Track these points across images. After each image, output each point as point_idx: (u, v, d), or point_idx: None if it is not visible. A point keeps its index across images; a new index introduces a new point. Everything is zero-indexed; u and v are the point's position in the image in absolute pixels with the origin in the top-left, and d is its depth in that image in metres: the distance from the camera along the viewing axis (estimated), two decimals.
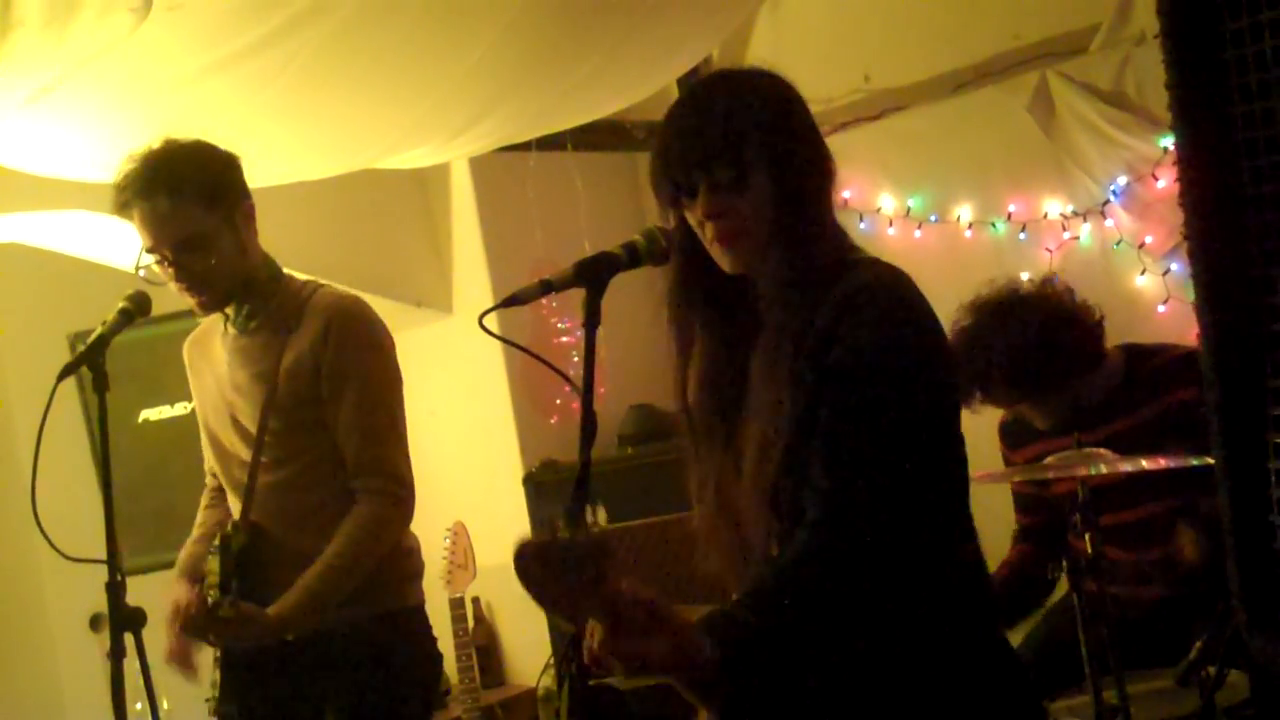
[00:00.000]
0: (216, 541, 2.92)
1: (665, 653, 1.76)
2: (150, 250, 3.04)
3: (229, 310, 3.16)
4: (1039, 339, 3.54)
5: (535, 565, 1.71)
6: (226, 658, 3.14)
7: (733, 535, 2.16)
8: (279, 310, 3.14)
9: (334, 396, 3.08)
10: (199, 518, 3.41)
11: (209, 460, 3.37)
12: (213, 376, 3.25)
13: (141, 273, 3.11)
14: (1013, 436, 3.89)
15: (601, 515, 1.65)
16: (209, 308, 3.13)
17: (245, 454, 3.14)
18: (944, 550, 2.06)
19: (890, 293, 2.03)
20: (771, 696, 1.88)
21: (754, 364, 2.11)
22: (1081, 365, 3.61)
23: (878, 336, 1.97)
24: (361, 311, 3.17)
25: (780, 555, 1.97)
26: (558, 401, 5.54)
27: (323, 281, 3.30)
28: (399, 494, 3.10)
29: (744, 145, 2.05)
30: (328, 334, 3.07)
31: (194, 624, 2.97)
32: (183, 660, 3.11)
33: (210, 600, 2.92)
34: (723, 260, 2.13)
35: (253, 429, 3.11)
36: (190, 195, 2.99)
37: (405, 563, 3.25)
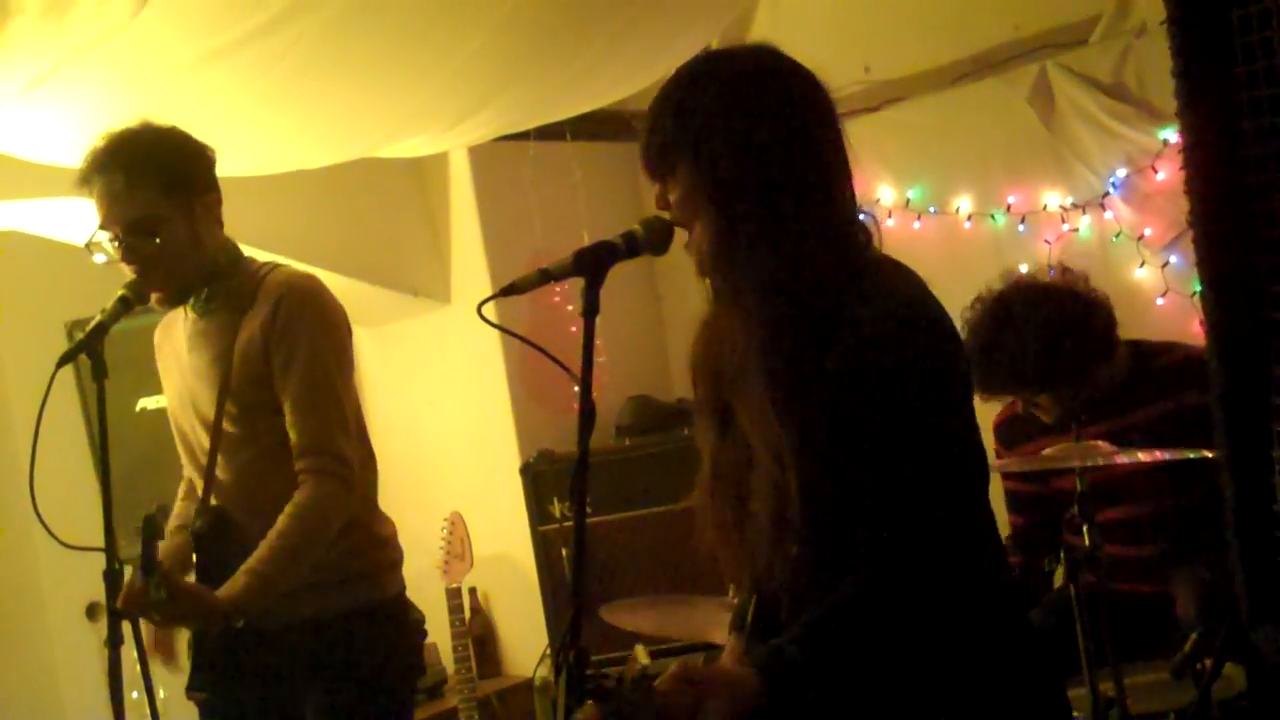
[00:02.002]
0: (139, 524, 2.79)
1: (724, 710, 1.86)
2: (102, 227, 3.01)
3: (194, 298, 3.11)
4: (1072, 325, 3.57)
5: None
6: (199, 642, 3.09)
7: (731, 519, 2.17)
8: (235, 292, 3.09)
9: (281, 375, 3.01)
10: (175, 509, 3.37)
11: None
12: (176, 364, 3.22)
13: (99, 257, 3.07)
14: (1008, 436, 3.88)
15: (641, 654, 1.61)
16: (165, 303, 3.09)
17: (205, 439, 3.11)
18: (974, 548, 2.06)
19: (908, 316, 1.98)
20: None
21: (742, 385, 2.09)
22: (1106, 350, 3.63)
23: (907, 373, 1.94)
24: (312, 289, 3.11)
25: (834, 593, 1.97)
26: (576, 389, 5.48)
27: (281, 261, 3.25)
28: (342, 473, 3.01)
29: (666, 145, 2.05)
30: (276, 311, 3.01)
31: (131, 602, 2.83)
32: (165, 651, 3.10)
33: (151, 585, 2.79)
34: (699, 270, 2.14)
35: (211, 414, 3.07)
36: (148, 177, 2.96)
37: (381, 552, 3.20)
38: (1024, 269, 4.55)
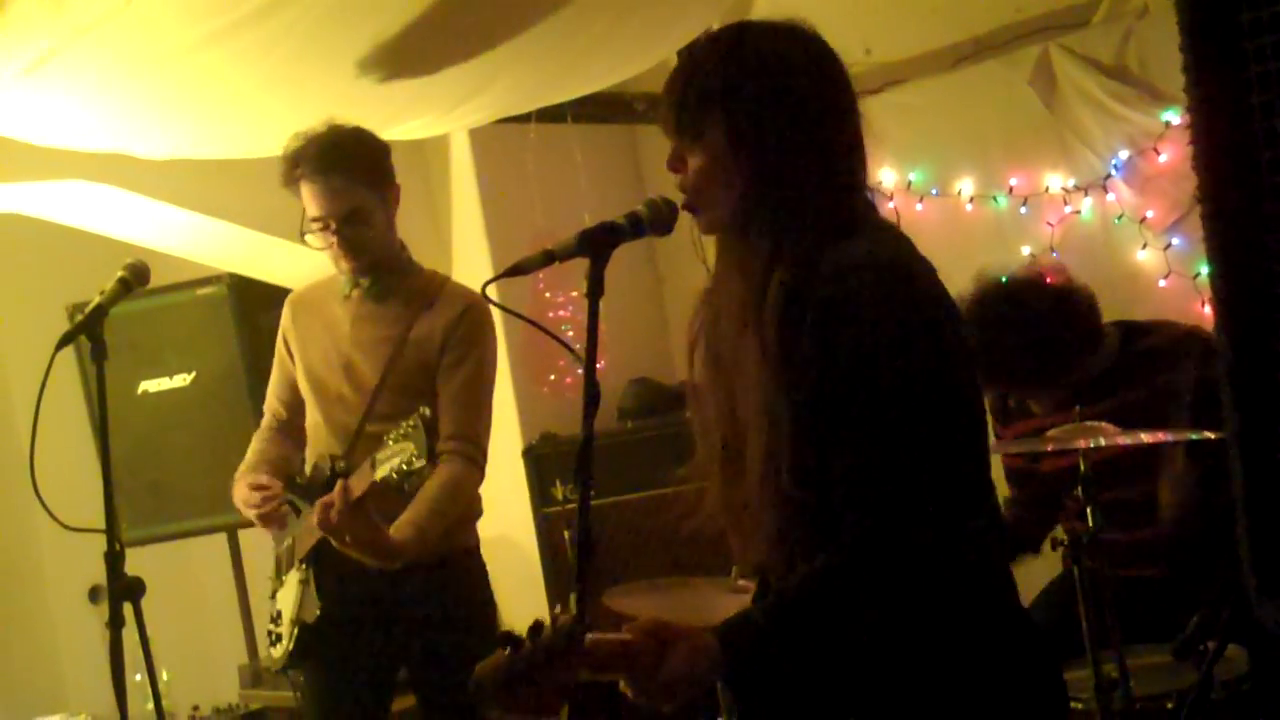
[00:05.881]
0: (411, 424, 3.03)
1: (680, 670, 1.83)
2: (316, 219, 3.38)
3: (362, 280, 3.49)
4: (1053, 324, 3.55)
5: (501, 690, 1.78)
6: (317, 563, 3.41)
7: (739, 498, 2.15)
8: (412, 289, 3.52)
9: (450, 369, 3.44)
10: (253, 447, 3.72)
11: (275, 401, 3.73)
12: (326, 331, 3.58)
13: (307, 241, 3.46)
14: (1003, 413, 3.88)
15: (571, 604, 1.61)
16: (359, 273, 3.48)
17: (352, 397, 3.49)
18: (964, 523, 1.97)
19: (881, 276, 1.93)
20: (777, 692, 1.90)
21: (729, 341, 2.08)
22: (1090, 343, 3.61)
23: (878, 336, 1.89)
24: (488, 309, 3.56)
25: (809, 566, 1.92)
26: (553, 376, 5.54)
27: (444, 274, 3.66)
28: (480, 461, 3.47)
29: (697, 108, 2.03)
30: (462, 319, 3.46)
31: (341, 518, 3.12)
32: (277, 521, 3.49)
33: (417, 472, 3.05)
34: (697, 222, 2.12)
35: (368, 379, 3.47)
36: (359, 174, 3.38)
37: (476, 505, 3.66)
38: (1027, 250, 4.57)
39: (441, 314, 3.49)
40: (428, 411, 3.05)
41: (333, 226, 3.37)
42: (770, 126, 2.01)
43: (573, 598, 1.93)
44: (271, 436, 3.73)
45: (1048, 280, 3.66)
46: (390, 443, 3.07)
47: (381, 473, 3.05)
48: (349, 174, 3.36)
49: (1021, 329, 3.52)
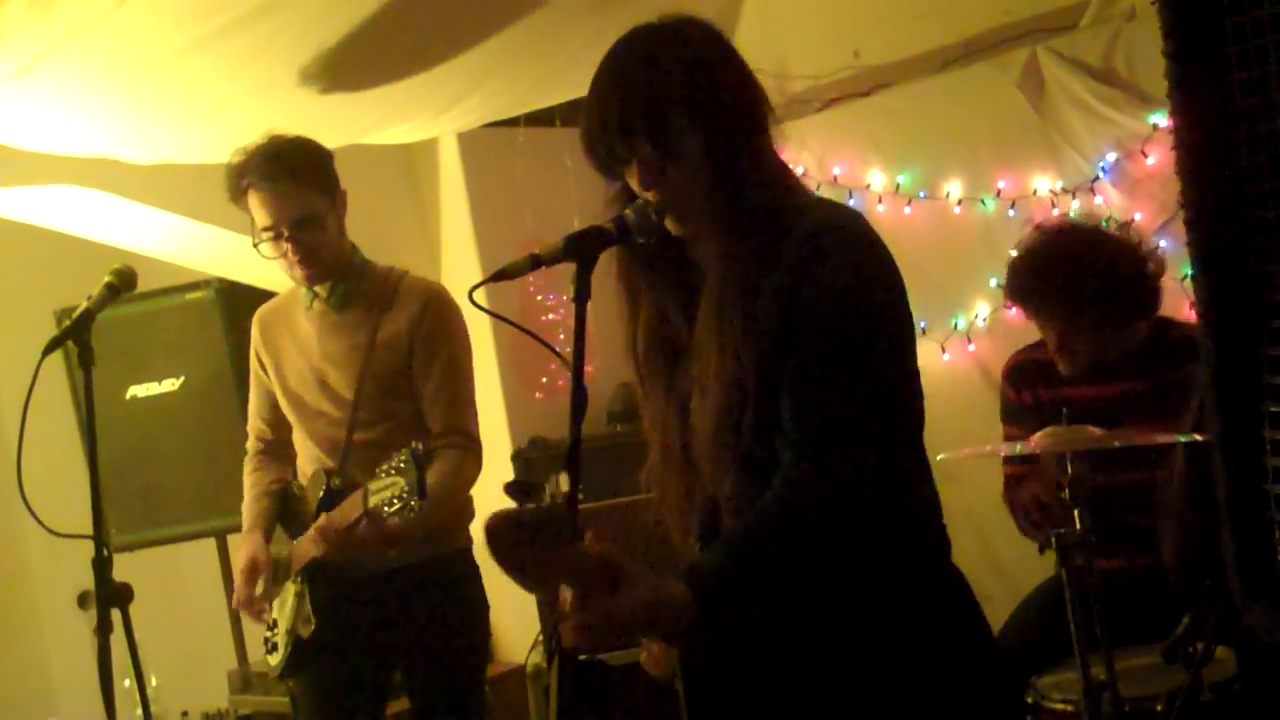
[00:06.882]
0: (403, 460, 3.08)
1: (639, 604, 1.76)
2: (268, 228, 3.36)
3: (319, 290, 3.49)
4: (1134, 274, 3.65)
5: (506, 535, 1.73)
6: (312, 580, 3.43)
7: (681, 485, 2.17)
8: (370, 292, 3.52)
9: (423, 367, 3.46)
10: (249, 481, 3.70)
11: (258, 421, 3.72)
12: (295, 346, 3.58)
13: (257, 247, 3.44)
14: (1019, 380, 3.89)
15: (563, 480, 1.62)
16: (314, 280, 3.47)
17: (333, 412, 3.50)
18: (901, 487, 2.05)
19: (852, 235, 2.02)
20: (745, 638, 1.90)
21: (700, 319, 2.09)
22: (1144, 313, 3.72)
23: (846, 281, 1.96)
24: (451, 297, 3.57)
25: (755, 504, 1.96)
26: (544, 380, 5.53)
27: (402, 268, 3.63)
28: (474, 448, 3.50)
29: (668, 115, 2.03)
30: (424, 314, 3.47)
31: (341, 540, 3.24)
32: (253, 608, 3.51)
33: (410, 507, 3.09)
34: (669, 225, 2.12)
35: (344, 392, 3.48)
36: (307, 179, 3.37)
37: (470, 506, 3.62)
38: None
39: (403, 313, 3.48)
40: (420, 446, 3.09)
41: (285, 234, 3.35)
42: (740, 122, 2.08)
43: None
44: (262, 463, 3.73)
45: (1134, 240, 3.77)
46: (382, 474, 3.10)
47: (374, 501, 3.09)
48: (296, 179, 3.35)
49: (1111, 267, 3.61)
